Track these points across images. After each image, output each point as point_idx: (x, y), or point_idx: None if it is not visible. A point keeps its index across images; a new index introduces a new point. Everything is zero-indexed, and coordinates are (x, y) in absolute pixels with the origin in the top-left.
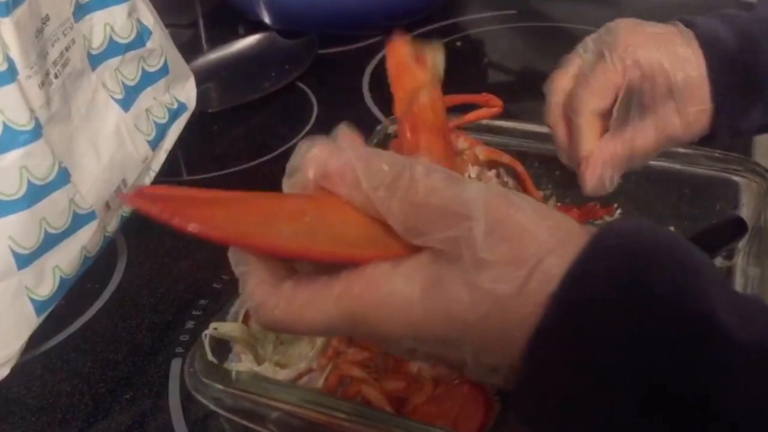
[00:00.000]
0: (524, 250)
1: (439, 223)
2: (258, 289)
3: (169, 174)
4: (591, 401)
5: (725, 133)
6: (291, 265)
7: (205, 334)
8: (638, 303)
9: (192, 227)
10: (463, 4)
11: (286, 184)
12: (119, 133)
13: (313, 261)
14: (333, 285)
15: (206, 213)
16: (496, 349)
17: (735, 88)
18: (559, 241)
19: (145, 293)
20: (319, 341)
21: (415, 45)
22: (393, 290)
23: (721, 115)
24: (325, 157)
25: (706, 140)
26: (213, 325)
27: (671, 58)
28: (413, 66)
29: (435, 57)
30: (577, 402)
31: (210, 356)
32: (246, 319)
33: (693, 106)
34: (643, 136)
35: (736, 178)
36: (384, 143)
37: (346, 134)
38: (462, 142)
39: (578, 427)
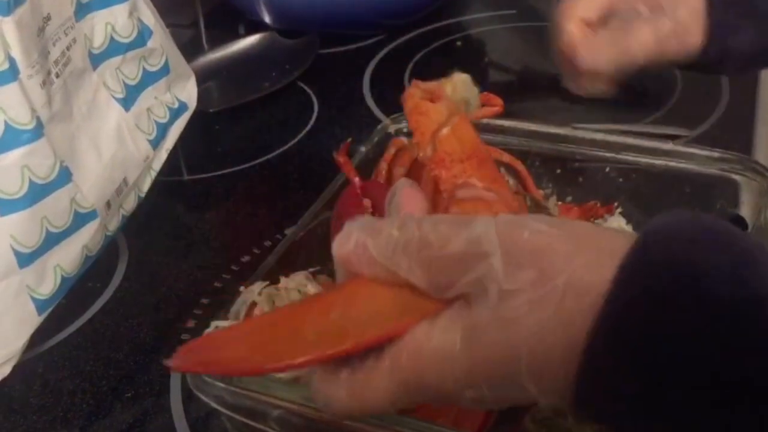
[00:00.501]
0: (547, 269)
1: (460, 270)
2: (322, 385)
3: (169, 173)
4: (655, 398)
5: (716, 49)
6: None
7: (206, 333)
8: (694, 294)
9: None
10: (463, 4)
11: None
12: (120, 133)
13: (350, 354)
14: (382, 361)
15: (232, 354)
16: (555, 372)
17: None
18: (580, 248)
19: (146, 292)
20: None
21: (432, 84)
22: (435, 348)
23: (712, 26)
24: (336, 245)
25: (699, 65)
26: (214, 323)
27: None
28: (427, 106)
29: (455, 86)
30: (642, 401)
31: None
32: (248, 317)
33: (685, 8)
34: (637, 31)
35: (736, 177)
36: (384, 142)
37: (406, 190)
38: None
39: (646, 423)
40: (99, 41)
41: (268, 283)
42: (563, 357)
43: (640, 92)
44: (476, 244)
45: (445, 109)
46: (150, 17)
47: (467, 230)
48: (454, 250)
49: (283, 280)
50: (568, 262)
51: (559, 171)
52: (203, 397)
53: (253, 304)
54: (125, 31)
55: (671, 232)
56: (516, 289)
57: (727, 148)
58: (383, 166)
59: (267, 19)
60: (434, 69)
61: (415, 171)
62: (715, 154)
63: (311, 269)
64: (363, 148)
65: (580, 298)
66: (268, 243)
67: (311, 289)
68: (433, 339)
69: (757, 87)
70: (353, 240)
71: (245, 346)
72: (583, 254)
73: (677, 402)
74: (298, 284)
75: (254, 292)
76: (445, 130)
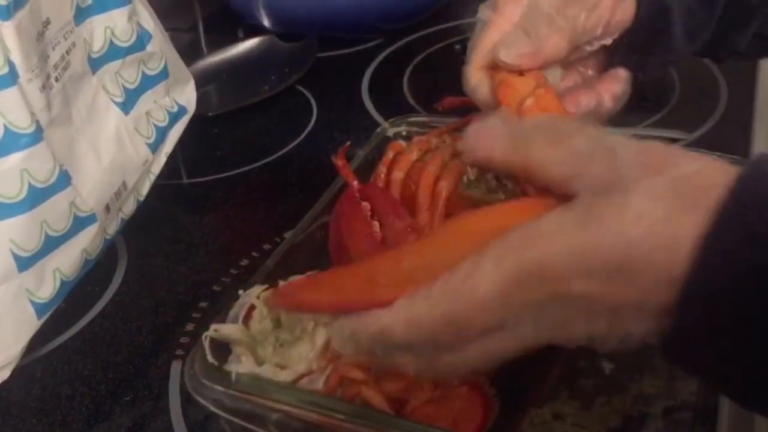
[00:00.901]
0: (669, 166)
1: (585, 161)
2: (404, 308)
3: (168, 177)
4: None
5: (648, 14)
6: None
7: (206, 336)
8: None
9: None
10: (461, 7)
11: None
12: (119, 136)
13: None
14: (486, 253)
15: (317, 296)
16: (662, 264)
17: None
18: (704, 162)
19: (145, 296)
20: (319, 342)
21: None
22: (547, 226)
23: None
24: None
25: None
26: (213, 327)
27: None
28: (514, 79)
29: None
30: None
31: (210, 358)
32: (246, 321)
33: None
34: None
35: None
36: (382, 146)
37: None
38: (462, 144)
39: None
40: (98, 45)
41: (267, 286)
42: (672, 248)
43: (638, 95)
44: (604, 138)
45: (533, 80)
46: (149, 21)
47: (601, 135)
48: (582, 142)
49: (281, 284)
50: (694, 160)
51: None
52: (202, 401)
53: (252, 307)
54: (125, 35)
55: None
56: (637, 181)
57: (726, 150)
58: (382, 169)
59: (266, 22)
60: (433, 72)
61: (413, 174)
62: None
63: (309, 273)
64: (361, 152)
65: (704, 192)
66: (267, 246)
67: None
68: (544, 221)
69: (755, 89)
70: (490, 128)
71: (328, 290)
72: (703, 164)
73: None
74: None
75: (253, 294)
76: (528, 101)
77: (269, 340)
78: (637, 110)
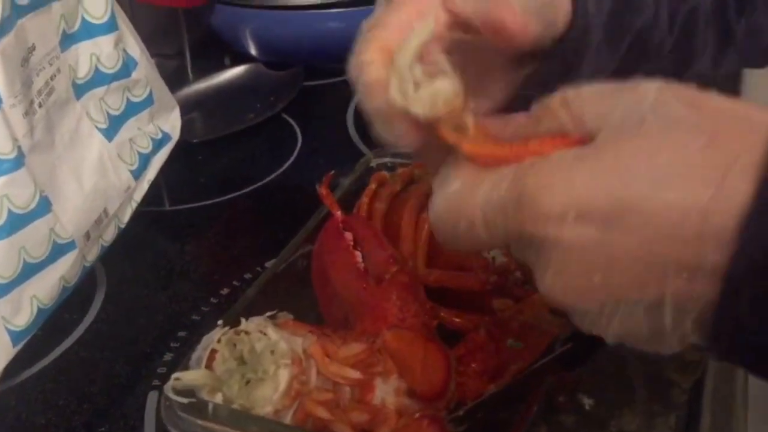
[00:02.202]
0: (705, 108)
1: (616, 98)
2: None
3: (151, 204)
4: None
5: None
6: None
7: (168, 386)
8: None
9: None
10: None
11: None
12: (102, 163)
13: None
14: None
15: None
16: (701, 213)
17: None
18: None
19: (123, 324)
20: (282, 383)
21: None
22: (556, 157)
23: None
24: None
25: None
26: (174, 376)
27: None
28: None
29: None
30: None
31: (177, 407)
32: (209, 363)
33: None
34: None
35: None
36: (366, 176)
37: None
38: None
39: None
40: (83, 71)
41: (228, 328)
42: (723, 216)
43: None
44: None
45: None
46: (135, 48)
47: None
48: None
49: (243, 323)
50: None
51: None
52: None
53: (214, 351)
54: (110, 62)
55: None
56: (674, 118)
57: None
58: (364, 200)
59: (252, 50)
60: None
61: (395, 206)
62: None
63: (269, 313)
64: (345, 181)
65: (742, 138)
66: (248, 275)
67: (271, 331)
68: (567, 158)
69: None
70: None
71: None
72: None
73: None
74: (257, 326)
75: (214, 339)
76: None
77: (235, 378)
78: None
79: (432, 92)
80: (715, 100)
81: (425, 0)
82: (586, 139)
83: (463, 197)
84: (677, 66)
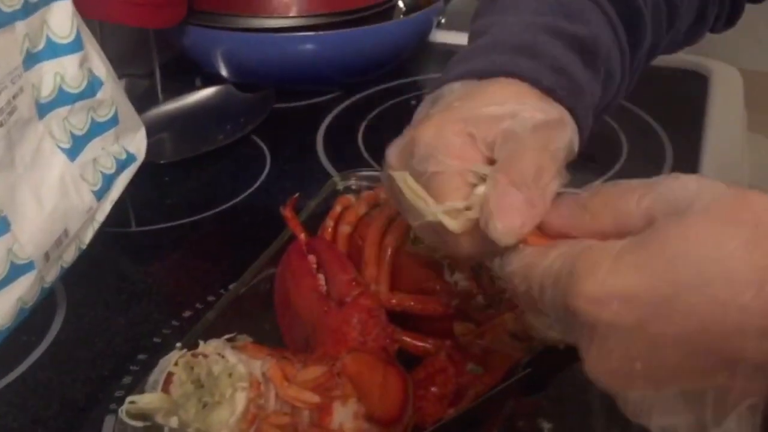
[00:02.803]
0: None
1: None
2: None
3: (117, 224)
4: None
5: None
6: None
7: (122, 410)
8: None
9: None
10: (419, 64)
11: None
12: (64, 183)
13: None
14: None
15: None
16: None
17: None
18: None
19: (82, 347)
20: (239, 406)
21: None
22: (604, 248)
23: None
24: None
25: None
26: (129, 399)
27: None
28: None
29: None
30: None
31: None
32: (166, 387)
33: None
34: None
35: None
36: (331, 199)
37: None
38: None
39: None
40: (47, 91)
41: (185, 351)
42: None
43: (587, 156)
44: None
45: None
46: (101, 68)
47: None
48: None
49: (201, 346)
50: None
51: None
52: None
53: (170, 374)
54: (75, 82)
55: None
56: (718, 206)
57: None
58: (329, 223)
59: (224, 72)
60: (388, 127)
61: (360, 229)
62: None
63: (227, 336)
64: (311, 204)
65: None
66: (212, 298)
67: (229, 354)
68: (617, 245)
69: (700, 153)
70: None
71: None
72: None
73: None
74: (215, 349)
75: (170, 361)
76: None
77: (192, 402)
78: (586, 171)
79: None
80: (750, 193)
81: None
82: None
83: (530, 265)
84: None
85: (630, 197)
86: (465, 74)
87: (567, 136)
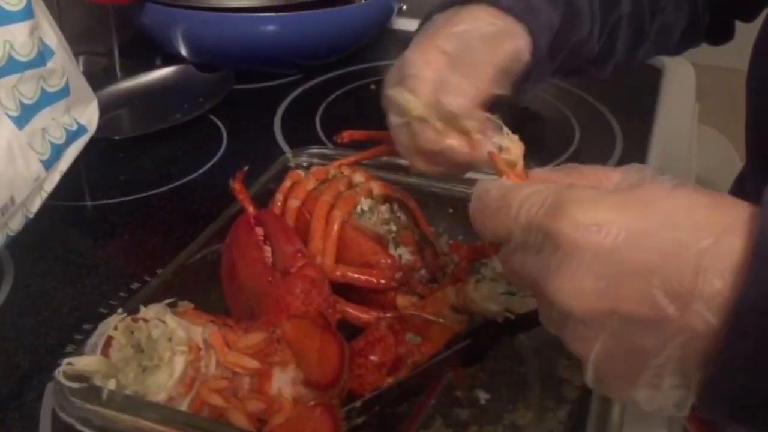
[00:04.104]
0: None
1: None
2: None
3: (72, 198)
4: None
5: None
6: None
7: (59, 371)
8: None
9: None
10: (380, 49)
11: None
12: (11, 151)
13: None
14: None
15: None
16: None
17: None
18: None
19: (28, 315)
20: (177, 370)
21: None
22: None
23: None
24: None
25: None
26: (67, 361)
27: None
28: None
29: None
30: None
31: (69, 392)
32: (105, 350)
33: None
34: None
35: None
36: (282, 175)
37: None
38: (358, 176)
39: None
40: None
41: (125, 315)
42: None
43: (540, 142)
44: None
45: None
46: (53, 38)
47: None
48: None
49: (142, 311)
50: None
51: (451, 210)
52: (68, 419)
53: (110, 338)
54: (24, 50)
55: None
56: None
57: None
58: (278, 197)
59: (183, 52)
60: (346, 109)
61: (309, 203)
62: None
63: (167, 301)
64: (263, 178)
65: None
66: (160, 271)
67: (169, 319)
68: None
69: (649, 140)
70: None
71: None
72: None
73: None
74: (156, 314)
75: (110, 325)
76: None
77: (131, 366)
78: (538, 157)
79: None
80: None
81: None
82: None
83: (513, 188)
84: (599, 63)
85: (604, 173)
86: (447, 4)
87: (514, 43)
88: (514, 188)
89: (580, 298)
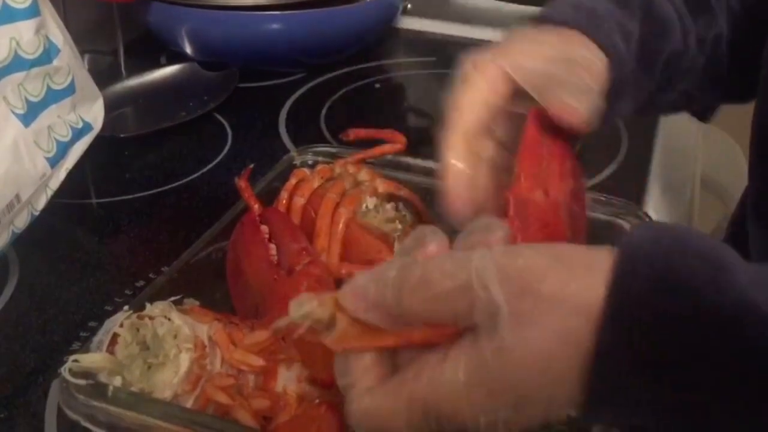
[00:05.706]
0: (545, 293)
1: (462, 303)
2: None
3: (77, 196)
4: (658, 391)
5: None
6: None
7: (65, 369)
8: (683, 302)
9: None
10: (385, 49)
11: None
12: (17, 148)
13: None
14: (401, 388)
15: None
16: (566, 385)
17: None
18: (572, 270)
19: (33, 313)
20: (183, 367)
21: None
22: (444, 382)
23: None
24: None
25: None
26: (73, 358)
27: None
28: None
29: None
30: (650, 395)
31: (74, 389)
32: (111, 347)
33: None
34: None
35: (621, 222)
36: (288, 173)
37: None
38: (363, 174)
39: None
40: (2, 56)
41: (131, 312)
42: (573, 369)
43: None
44: (476, 276)
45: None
46: (58, 35)
47: (465, 262)
48: (453, 285)
49: (147, 308)
50: (564, 285)
51: None
52: (74, 416)
53: (116, 335)
54: (30, 48)
55: (649, 245)
56: (519, 314)
57: (622, 196)
58: (284, 195)
59: (188, 50)
60: (351, 108)
61: (314, 201)
62: (603, 199)
63: (173, 298)
64: (268, 176)
65: (581, 316)
66: (165, 268)
67: (175, 316)
68: (444, 372)
69: (654, 141)
70: (354, 287)
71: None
72: (575, 276)
73: (678, 388)
74: (162, 311)
75: (116, 322)
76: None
77: (137, 363)
78: None
79: None
80: (549, 282)
81: (490, 74)
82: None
83: (384, 418)
84: (712, 84)
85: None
86: (536, 21)
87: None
88: (387, 417)
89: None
